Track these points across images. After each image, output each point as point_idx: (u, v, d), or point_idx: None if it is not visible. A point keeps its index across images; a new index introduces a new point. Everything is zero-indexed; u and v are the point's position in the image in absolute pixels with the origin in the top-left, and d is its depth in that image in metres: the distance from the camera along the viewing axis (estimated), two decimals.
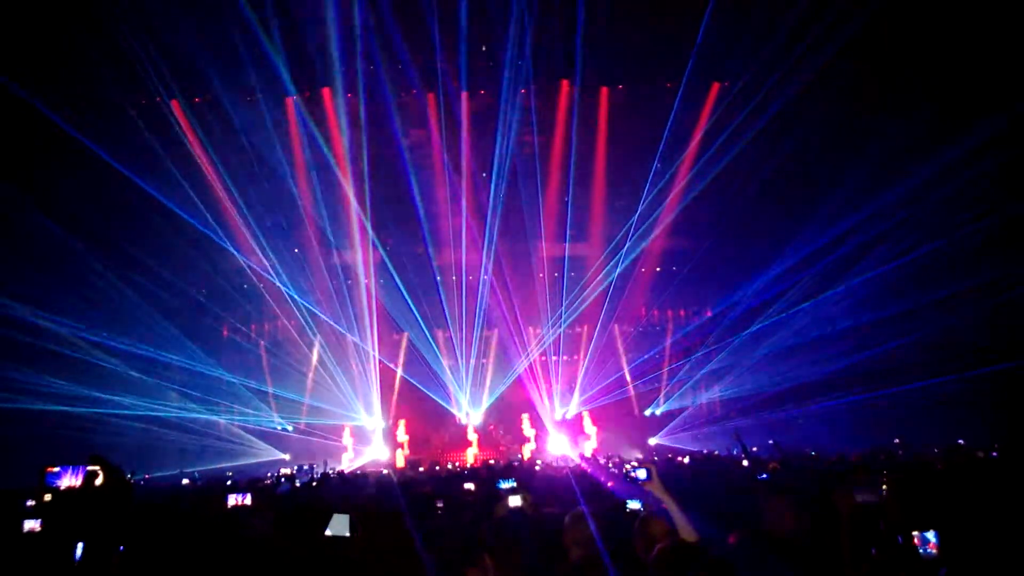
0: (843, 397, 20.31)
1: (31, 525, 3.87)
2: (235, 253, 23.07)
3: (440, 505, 6.90)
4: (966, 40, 16.91)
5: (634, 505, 4.86)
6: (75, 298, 19.67)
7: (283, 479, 13.10)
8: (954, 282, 18.69)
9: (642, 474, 3.97)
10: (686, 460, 16.95)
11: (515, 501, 5.50)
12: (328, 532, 3.62)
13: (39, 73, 17.71)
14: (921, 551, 3.31)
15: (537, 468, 16.07)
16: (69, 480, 2.02)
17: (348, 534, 3.60)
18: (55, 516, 1.98)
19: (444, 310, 25.19)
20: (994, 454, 13.81)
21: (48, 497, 1.97)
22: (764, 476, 9.62)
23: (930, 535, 3.33)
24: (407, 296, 24.06)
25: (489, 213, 23.77)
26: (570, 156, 24.11)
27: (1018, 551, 3.33)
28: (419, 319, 24.33)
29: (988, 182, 17.34)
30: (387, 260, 24.41)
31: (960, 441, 16.41)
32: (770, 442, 14.32)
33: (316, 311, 24.15)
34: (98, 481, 2.00)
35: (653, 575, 3.28)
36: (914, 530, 3.33)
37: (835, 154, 21.07)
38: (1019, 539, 3.43)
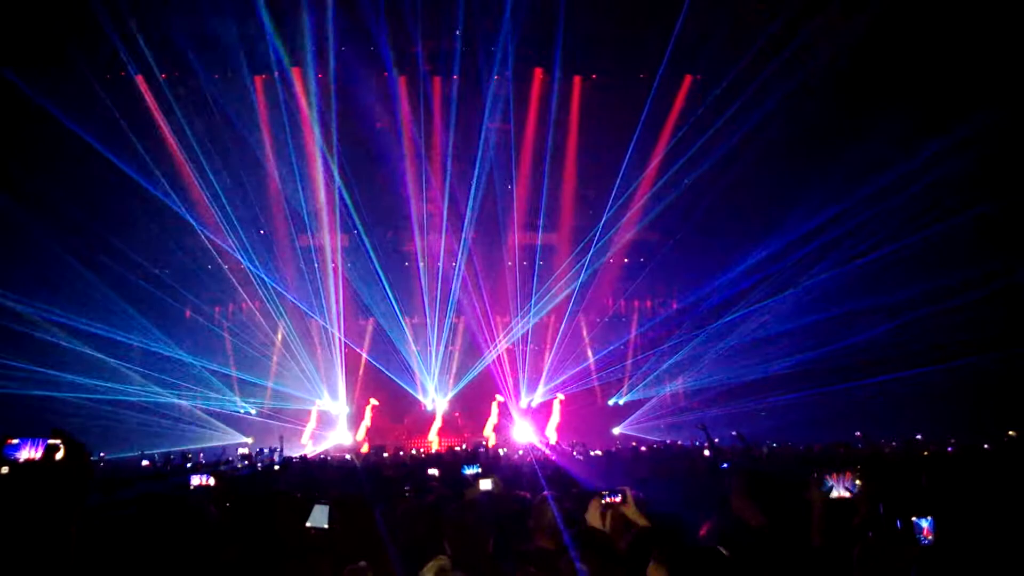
0: (805, 391, 20.64)
1: None
2: (200, 232, 22.73)
3: (407, 489, 6.88)
4: (937, 45, 17.20)
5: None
6: (32, 276, 19.23)
7: (244, 460, 13.01)
8: (915, 281, 19.09)
9: (617, 498, 3.91)
10: (643, 449, 17.16)
11: (486, 485, 5.49)
12: (308, 524, 3.59)
13: None
14: (919, 539, 3.35)
15: (501, 454, 16.15)
16: (29, 453, 1.96)
17: (327, 526, 3.57)
18: (12, 490, 1.91)
19: (412, 296, 25.09)
20: (949, 448, 14.18)
21: (5, 469, 1.90)
22: (725, 465, 9.76)
23: (924, 523, 3.37)
24: (376, 280, 23.92)
25: (462, 200, 23.70)
26: (542, 144, 24.09)
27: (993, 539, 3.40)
28: (387, 304, 24.20)
29: (950, 185, 17.74)
30: (357, 243, 24.23)
31: (918, 436, 16.81)
32: (733, 433, 14.49)
33: (282, 292, 23.90)
34: (59, 455, 1.95)
35: (628, 561, 3.28)
36: (912, 516, 3.37)
37: (804, 153, 21.32)
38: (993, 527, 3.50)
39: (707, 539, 3.81)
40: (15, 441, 1.93)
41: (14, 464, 1.90)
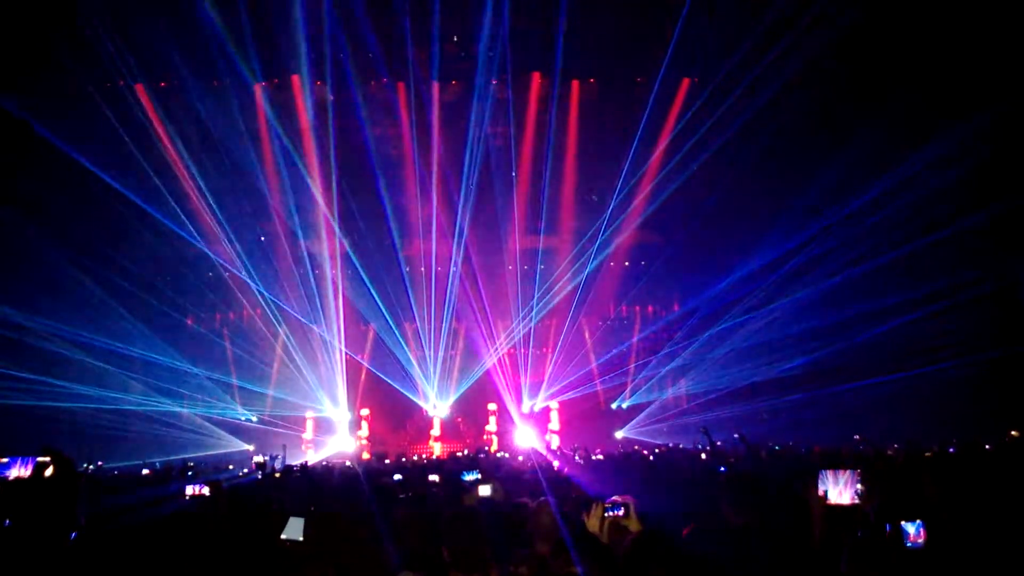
0: (806, 393, 20.64)
1: None
2: (200, 241, 22.73)
3: (406, 495, 6.88)
4: (935, 47, 17.25)
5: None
6: (34, 287, 19.25)
7: (258, 468, 13.09)
8: (916, 282, 19.13)
9: (619, 512, 3.89)
10: (645, 452, 17.18)
11: (485, 491, 5.49)
12: (283, 536, 3.57)
13: None
14: (908, 543, 3.36)
15: (500, 457, 16.15)
16: (18, 471, 1.97)
17: (301, 538, 3.55)
18: (2, 507, 1.93)
19: (412, 302, 25.07)
20: (951, 449, 14.14)
21: None
22: (722, 468, 9.76)
23: (911, 527, 3.38)
24: (374, 287, 23.92)
25: (460, 205, 23.71)
26: (541, 149, 24.11)
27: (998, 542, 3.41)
28: (387, 310, 24.19)
29: (945, 193, 17.79)
30: (357, 250, 24.25)
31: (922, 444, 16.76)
32: (735, 435, 14.47)
33: (281, 303, 23.89)
34: (48, 472, 1.96)
35: (625, 565, 3.29)
36: (901, 520, 3.38)
37: (804, 158, 21.34)
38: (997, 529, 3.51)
39: (689, 539, 3.82)
40: (5, 460, 1.95)
41: (3, 482, 1.91)
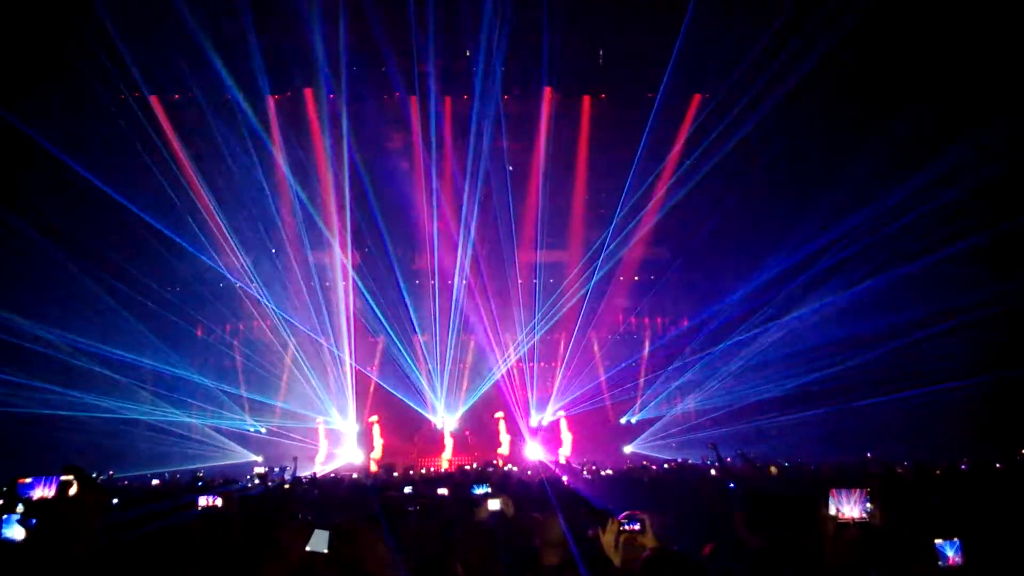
0: (816, 409, 20.53)
1: None
2: (211, 252, 22.83)
3: (415, 509, 6.87)
4: (947, 60, 17.24)
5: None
6: (45, 298, 19.35)
7: (256, 479, 13.09)
8: (926, 300, 19.05)
9: (635, 526, 3.86)
10: (653, 467, 17.12)
11: (495, 505, 5.45)
12: (308, 548, 3.58)
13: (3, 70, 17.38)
14: (941, 562, 3.31)
15: (508, 469, 16.11)
16: (42, 491, 1.99)
17: (326, 551, 3.56)
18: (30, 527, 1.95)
19: (421, 314, 25.08)
20: (963, 467, 14.05)
21: (20, 508, 1.93)
22: (731, 485, 9.73)
23: (948, 546, 3.34)
24: (383, 300, 23.94)
25: (464, 216, 23.76)
26: (552, 163, 24.17)
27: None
28: (396, 323, 24.21)
29: (956, 209, 17.73)
30: (364, 263, 24.30)
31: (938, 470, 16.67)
32: (737, 452, 14.39)
33: (290, 315, 23.95)
34: (72, 491, 1.98)
35: None
36: (936, 539, 3.34)
37: (814, 172, 21.31)
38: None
39: (710, 559, 3.80)
40: (27, 480, 1.96)
41: (28, 502, 1.93)
